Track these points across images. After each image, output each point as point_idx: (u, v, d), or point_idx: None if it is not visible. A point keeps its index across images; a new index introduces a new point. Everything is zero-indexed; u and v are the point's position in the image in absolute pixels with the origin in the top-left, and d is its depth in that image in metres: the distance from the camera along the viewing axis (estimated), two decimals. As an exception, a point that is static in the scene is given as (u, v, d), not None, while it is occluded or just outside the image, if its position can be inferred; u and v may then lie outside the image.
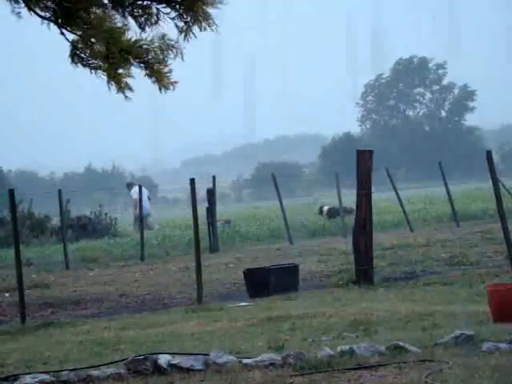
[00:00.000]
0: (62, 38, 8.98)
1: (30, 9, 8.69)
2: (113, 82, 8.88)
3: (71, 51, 8.96)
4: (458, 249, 21.70)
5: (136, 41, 8.83)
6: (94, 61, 8.95)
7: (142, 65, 8.82)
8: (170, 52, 8.80)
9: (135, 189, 34.98)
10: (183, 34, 8.34)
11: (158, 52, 8.78)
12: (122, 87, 8.89)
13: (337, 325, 11.20)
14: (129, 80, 9.29)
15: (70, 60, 9.04)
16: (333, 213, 36.08)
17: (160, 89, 9.01)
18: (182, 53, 8.68)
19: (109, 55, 8.73)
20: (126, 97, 8.95)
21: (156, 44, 8.83)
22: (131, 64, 8.87)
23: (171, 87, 8.99)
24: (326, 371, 8.08)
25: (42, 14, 8.75)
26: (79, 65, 9.09)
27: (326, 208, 37.46)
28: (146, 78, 9.02)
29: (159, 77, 8.86)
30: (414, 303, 12.96)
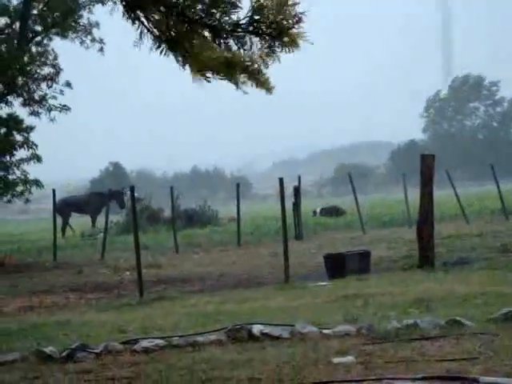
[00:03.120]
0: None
1: (149, 32, 8.70)
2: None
3: (180, 62, 8.90)
4: (507, 238, 21.33)
5: (240, 54, 8.75)
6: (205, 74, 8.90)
7: (246, 74, 8.71)
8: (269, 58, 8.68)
9: None
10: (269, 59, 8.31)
11: (259, 62, 8.67)
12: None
13: (403, 302, 11.11)
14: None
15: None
16: (324, 212, 36.21)
17: (267, 92, 8.86)
18: (278, 58, 8.57)
19: (214, 70, 8.69)
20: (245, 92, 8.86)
21: (256, 55, 8.74)
22: (239, 75, 8.75)
23: (271, 90, 8.87)
24: (394, 341, 8.03)
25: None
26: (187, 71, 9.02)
27: (318, 209, 38.22)
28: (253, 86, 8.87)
29: (263, 83, 8.75)
30: (469, 285, 12.79)
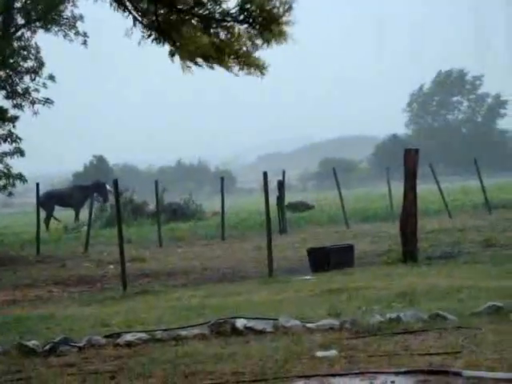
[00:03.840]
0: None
1: (143, 25, 8.64)
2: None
3: (171, 51, 8.84)
4: (490, 233, 21.41)
5: (229, 39, 8.67)
6: (191, 63, 8.82)
7: (236, 58, 8.62)
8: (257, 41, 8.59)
9: None
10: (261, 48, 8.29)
11: (247, 44, 8.58)
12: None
13: (386, 296, 11.13)
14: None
15: (169, 57, 8.89)
16: (291, 207, 36.19)
17: (258, 75, 8.72)
18: (269, 41, 8.47)
19: (204, 56, 8.60)
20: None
21: (244, 38, 8.65)
22: (227, 59, 8.65)
23: (264, 72, 8.74)
24: (377, 335, 8.04)
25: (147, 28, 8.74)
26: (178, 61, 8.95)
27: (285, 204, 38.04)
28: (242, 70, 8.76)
29: (254, 66, 8.65)
30: (452, 279, 12.82)
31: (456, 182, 59.58)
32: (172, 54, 8.71)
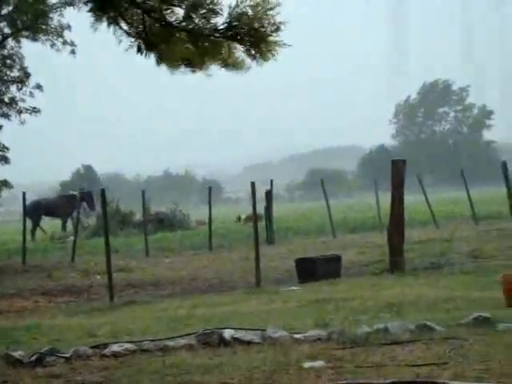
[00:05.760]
0: None
1: (119, 27, 8.65)
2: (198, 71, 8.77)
3: (156, 61, 8.87)
4: (476, 244, 21.46)
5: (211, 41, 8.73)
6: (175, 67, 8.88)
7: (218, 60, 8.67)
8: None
9: None
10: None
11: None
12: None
13: (373, 306, 11.14)
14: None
15: (155, 62, 8.94)
16: (249, 219, 36.29)
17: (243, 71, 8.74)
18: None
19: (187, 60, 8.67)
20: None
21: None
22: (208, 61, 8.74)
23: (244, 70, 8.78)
24: (364, 346, 8.04)
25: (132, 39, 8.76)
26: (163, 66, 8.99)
27: (243, 216, 38.24)
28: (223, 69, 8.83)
29: (235, 64, 8.71)
30: (439, 289, 12.85)
31: (443, 193, 59.79)
32: (159, 63, 8.76)
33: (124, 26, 8.52)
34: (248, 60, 8.56)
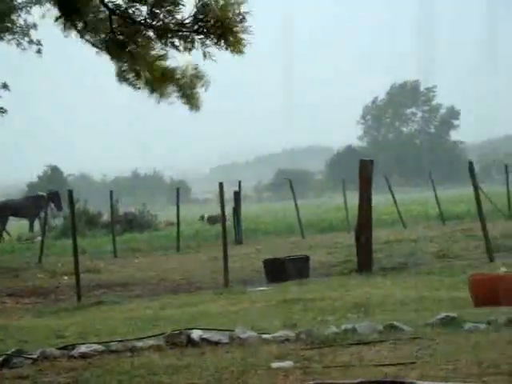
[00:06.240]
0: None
1: (86, 40, 8.72)
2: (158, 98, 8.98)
3: (118, 73, 9.00)
4: (443, 244, 21.63)
5: (174, 68, 8.92)
6: (137, 82, 9.04)
7: (176, 88, 8.93)
8: (198, 81, 8.95)
9: None
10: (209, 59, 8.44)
11: (189, 79, 8.90)
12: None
13: (341, 307, 11.18)
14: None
15: (116, 78, 9.09)
16: (212, 220, 36.68)
17: (191, 109, 9.14)
18: (207, 84, 8.89)
19: (150, 78, 8.82)
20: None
21: (189, 72, 8.95)
22: (168, 86, 8.96)
23: (198, 108, 9.12)
24: (332, 346, 8.06)
25: (94, 43, 8.80)
26: (124, 83, 9.15)
27: (206, 216, 39.13)
28: (179, 99, 9.15)
29: (190, 99, 8.98)
30: (407, 289, 12.93)
31: (410, 193, 60.06)
32: (120, 76, 8.87)
33: (89, 37, 8.56)
34: (204, 95, 8.78)
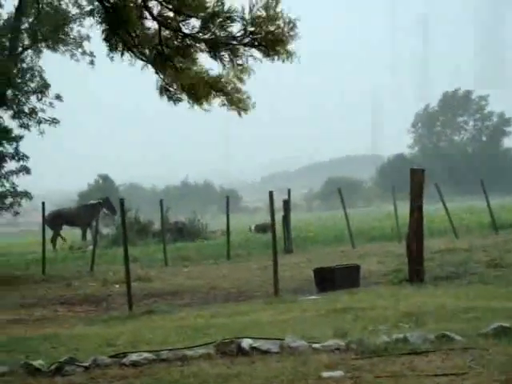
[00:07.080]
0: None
1: (132, 53, 8.78)
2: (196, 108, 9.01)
3: (160, 87, 9.04)
4: (496, 253, 21.35)
5: (218, 76, 8.93)
6: (179, 95, 9.06)
7: (221, 95, 8.92)
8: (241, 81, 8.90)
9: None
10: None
11: (236, 83, 8.87)
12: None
13: (392, 316, 11.09)
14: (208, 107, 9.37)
15: (158, 92, 9.14)
16: (259, 229, 36.59)
17: (239, 114, 9.10)
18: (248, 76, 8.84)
19: (194, 90, 8.83)
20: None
21: (232, 75, 8.93)
22: (213, 95, 8.96)
23: (246, 111, 9.07)
24: (383, 356, 8.01)
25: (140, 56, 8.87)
26: (165, 97, 9.20)
27: (253, 226, 39.21)
28: (225, 106, 9.14)
29: (237, 104, 8.94)
30: (459, 299, 12.78)
31: (462, 202, 59.48)
32: (161, 90, 8.94)
33: (135, 50, 8.63)
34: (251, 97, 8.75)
